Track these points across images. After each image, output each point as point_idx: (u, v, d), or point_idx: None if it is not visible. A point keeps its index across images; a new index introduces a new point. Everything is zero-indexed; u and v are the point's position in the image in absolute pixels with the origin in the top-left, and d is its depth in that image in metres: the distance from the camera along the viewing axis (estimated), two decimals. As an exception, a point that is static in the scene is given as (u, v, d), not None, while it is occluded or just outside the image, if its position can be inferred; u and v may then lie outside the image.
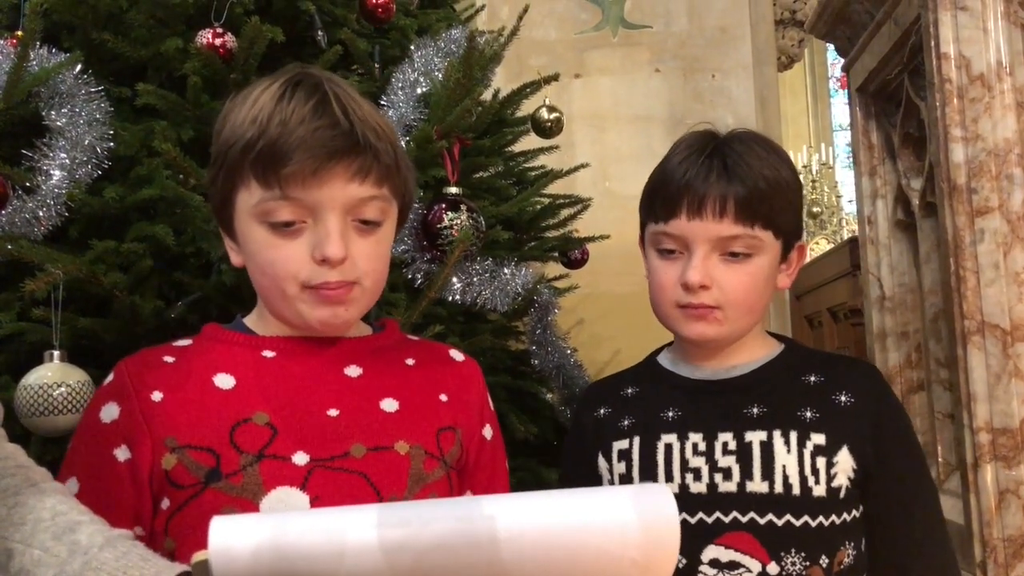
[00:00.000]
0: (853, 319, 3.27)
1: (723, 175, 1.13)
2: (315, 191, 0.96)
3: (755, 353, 1.21)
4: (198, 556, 0.63)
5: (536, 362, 2.03)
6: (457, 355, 1.18)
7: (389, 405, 1.05)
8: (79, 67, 1.54)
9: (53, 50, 1.55)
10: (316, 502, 0.96)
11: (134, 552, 0.80)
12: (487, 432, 1.15)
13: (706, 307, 1.14)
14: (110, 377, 1.04)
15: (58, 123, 1.50)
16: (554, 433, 2.13)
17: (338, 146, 0.96)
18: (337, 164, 0.96)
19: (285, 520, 0.65)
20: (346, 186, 0.97)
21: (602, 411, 1.26)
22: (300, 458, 0.98)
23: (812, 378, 1.18)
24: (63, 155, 1.48)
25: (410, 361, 1.12)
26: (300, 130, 0.95)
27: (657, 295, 1.19)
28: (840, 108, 10.61)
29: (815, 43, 8.53)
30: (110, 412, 1.00)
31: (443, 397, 1.10)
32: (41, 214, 1.45)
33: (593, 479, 1.24)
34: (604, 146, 3.75)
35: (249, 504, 0.95)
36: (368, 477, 0.99)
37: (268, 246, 0.99)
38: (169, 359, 1.04)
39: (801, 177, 1.31)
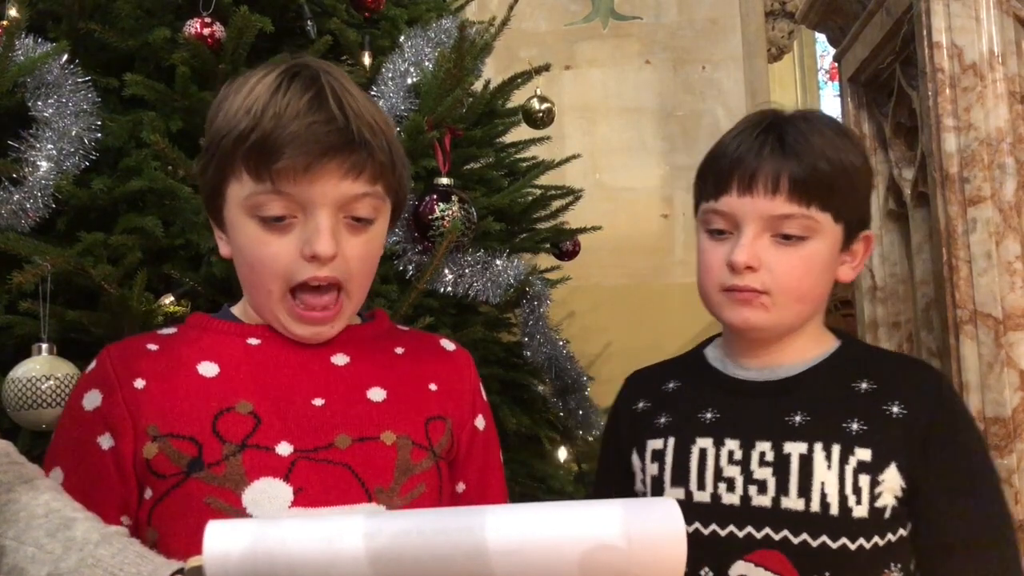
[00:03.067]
0: (844, 310, 3.28)
1: (778, 150, 1.04)
2: (307, 187, 0.94)
3: (807, 352, 1.12)
4: (192, 561, 0.62)
5: (528, 354, 2.03)
6: (448, 345, 1.16)
7: (376, 394, 1.04)
8: (66, 57, 1.52)
9: (39, 40, 1.52)
10: (299, 493, 0.95)
11: (130, 549, 0.79)
12: (479, 423, 1.13)
13: (752, 291, 1.05)
14: (93, 364, 1.02)
15: (45, 114, 1.48)
16: (546, 425, 2.13)
17: (332, 142, 0.94)
18: (330, 161, 0.94)
19: (278, 526, 0.64)
20: (339, 183, 0.95)
21: (640, 405, 1.20)
22: (284, 448, 0.96)
23: (864, 385, 1.08)
24: (50, 146, 1.47)
25: (399, 350, 1.10)
26: (294, 125, 0.93)
27: (703, 277, 1.11)
28: (829, 100, 10.63)
29: (804, 35, 8.53)
30: (93, 400, 0.98)
31: (432, 387, 1.08)
32: (28, 206, 1.43)
33: (626, 475, 1.18)
34: (594, 138, 3.75)
35: (231, 494, 0.93)
36: (352, 468, 0.98)
37: (257, 241, 0.97)
38: (153, 347, 1.02)
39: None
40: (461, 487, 1.10)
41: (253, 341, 1.03)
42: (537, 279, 2.01)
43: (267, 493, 0.94)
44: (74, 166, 1.49)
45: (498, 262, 1.86)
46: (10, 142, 1.47)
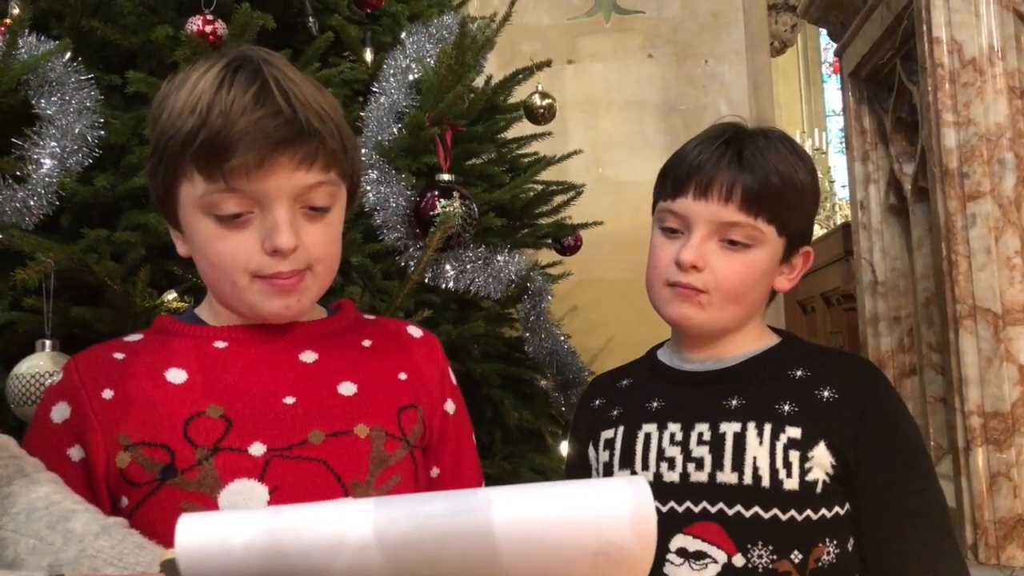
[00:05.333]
0: (846, 304, 3.29)
1: (735, 162, 1.12)
2: (261, 182, 0.93)
3: (748, 346, 1.19)
4: (166, 555, 0.63)
5: (529, 349, 2.03)
6: (415, 331, 1.16)
7: (347, 389, 1.04)
8: (69, 55, 1.52)
9: (42, 37, 1.53)
10: (276, 493, 0.95)
11: (129, 540, 0.81)
12: (449, 407, 1.14)
13: (693, 289, 1.13)
14: (60, 376, 1.02)
15: (48, 111, 1.49)
16: (548, 420, 2.14)
17: (282, 135, 0.93)
18: (282, 154, 0.93)
19: (256, 517, 0.64)
20: (292, 175, 0.94)
21: (597, 402, 1.27)
22: (257, 449, 0.97)
23: (799, 373, 1.15)
24: (53, 144, 1.47)
25: (367, 342, 1.10)
26: (242, 121, 0.91)
27: (651, 271, 1.19)
28: (833, 93, 10.60)
29: (808, 28, 8.52)
30: (61, 412, 0.98)
31: (402, 376, 1.09)
32: (32, 203, 1.44)
33: (584, 469, 1.25)
34: (597, 132, 3.75)
35: (207, 498, 0.94)
36: (328, 463, 0.98)
37: (216, 238, 0.96)
38: (119, 355, 1.02)
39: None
40: (435, 472, 1.11)
41: (219, 344, 1.03)
42: (538, 274, 2.02)
43: (243, 494, 0.94)
44: (77, 163, 1.50)
45: (499, 258, 1.87)
46: (14, 140, 1.47)
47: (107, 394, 0.98)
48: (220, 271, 0.98)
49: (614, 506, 0.66)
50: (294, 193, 0.96)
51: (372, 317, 1.18)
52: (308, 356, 1.05)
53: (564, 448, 2.19)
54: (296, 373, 1.03)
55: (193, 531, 0.62)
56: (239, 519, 0.64)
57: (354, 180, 1.06)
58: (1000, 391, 1.56)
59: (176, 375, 1.00)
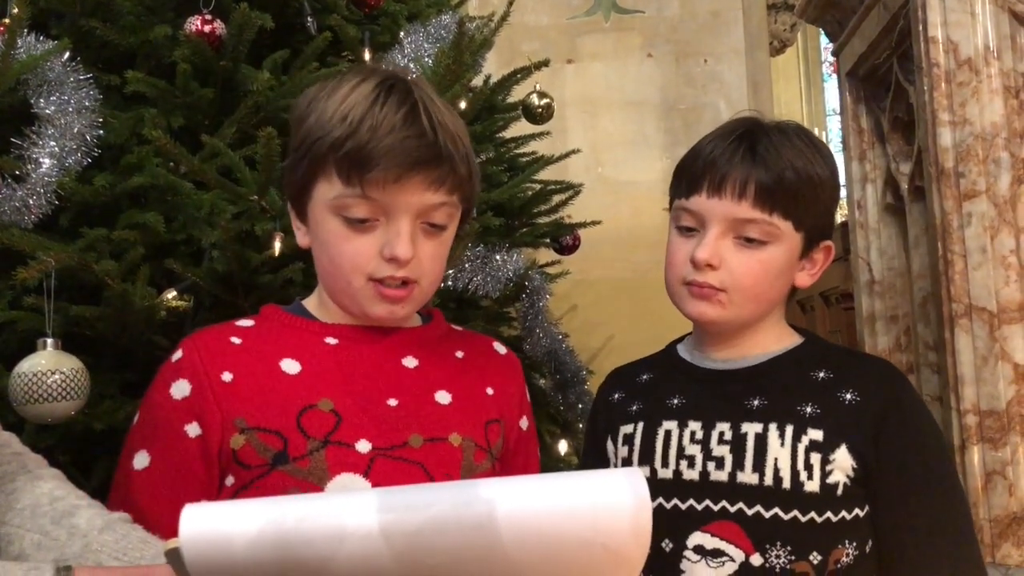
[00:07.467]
0: (845, 303, 3.29)
1: (748, 158, 1.11)
2: (394, 195, 1.00)
3: (769, 345, 1.19)
4: (170, 544, 0.63)
5: (528, 348, 2.04)
6: (500, 348, 1.23)
7: (443, 397, 1.10)
8: (68, 54, 1.53)
9: (41, 37, 1.53)
10: None
11: (133, 535, 0.82)
12: (523, 423, 1.20)
13: (710, 287, 1.12)
14: (178, 353, 1.07)
15: (47, 111, 1.49)
16: (546, 419, 2.14)
17: (421, 156, 1.00)
18: (418, 173, 1.00)
19: (260, 506, 0.65)
20: (423, 193, 1.02)
21: (616, 396, 1.27)
22: (363, 446, 1.02)
23: (821, 374, 1.15)
24: (52, 143, 1.48)
25: (459, 354, 1.16)
26: (389, 138, 0.99)
27: (668, 270, 1.18)
28: (834, 93, 10.60)
29: (808, 27, 8.51)
30: (181, 389, 1.03)
31: (490, 391, 1.15)
32: (31, 202, 1.45)
33: (602, 462, 1.26)
34: (596, 131, 3.76)
35: (315, 488, 0.98)
36: (425, 467, 1.03)
37: (341, 238, 1.03)
38: (236, 340, 1.08)
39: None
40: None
41: (331, 341, 1.09)
42: (536, 273, 2.02)
43: (348, 488, 0.99)
44: (76, 163, 1.50)
45: (497, 257, 1.88)
46: (13, 139, 1.48)
47: (226, 376, 1.04)
48: (338, 268, 1.05)
49: (610, 498, 0.67)
50: (420, 209, 1.03)
51: (459, 328, 1.25)
52: (410, 362, 1.11)
53: (563, 447, 2.20)
54: (399, 377, 1.09)
55: (197, 520, 0.63)
56: (243, 508, 0.65)
57: (471, 204, 1.12)
58: (995, 390, 1.57)
59: (290, 366, 1.06)
